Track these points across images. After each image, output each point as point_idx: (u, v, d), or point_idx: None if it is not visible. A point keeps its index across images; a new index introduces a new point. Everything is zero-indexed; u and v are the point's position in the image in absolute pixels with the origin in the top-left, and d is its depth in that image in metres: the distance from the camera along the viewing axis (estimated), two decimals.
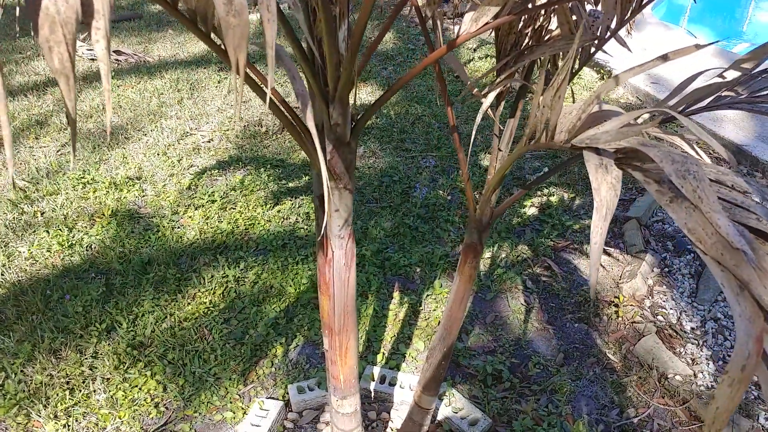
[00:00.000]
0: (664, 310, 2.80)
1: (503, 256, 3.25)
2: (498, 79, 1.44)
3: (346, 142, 1.27)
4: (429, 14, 1.38)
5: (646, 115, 1.41)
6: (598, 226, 0.92)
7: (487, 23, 1.11)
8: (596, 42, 1.40)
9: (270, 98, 1.13)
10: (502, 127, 1.57)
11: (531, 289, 3.01)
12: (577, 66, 1.46)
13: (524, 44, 1.42)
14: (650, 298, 2.88)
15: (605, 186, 0.94)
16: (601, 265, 3.13)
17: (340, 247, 1.40)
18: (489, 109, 1.57)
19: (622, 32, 1.68)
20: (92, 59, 5.86)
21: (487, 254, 3.28)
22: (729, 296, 0.79)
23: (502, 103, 1.56)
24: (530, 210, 3.65)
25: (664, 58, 1.01)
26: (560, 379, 2.48)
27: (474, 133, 1.31)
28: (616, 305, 2.84)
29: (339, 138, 1.25)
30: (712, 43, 1.08)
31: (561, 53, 1.55)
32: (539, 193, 3.80)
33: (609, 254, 3.20)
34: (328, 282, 1.48)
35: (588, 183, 3.88)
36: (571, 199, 3.71)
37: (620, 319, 2.78)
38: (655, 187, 0.90)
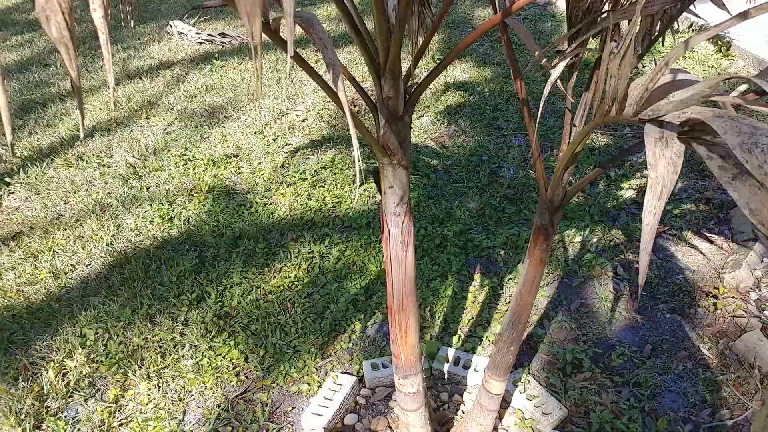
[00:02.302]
0: None
1: (594, 240, 3.09)
2: (569, 49, 1.34)
3: (399, 116, 1.24)
4: None
5: (743, 86, 1.26)
6: (652, 206, 0.84)
7: None
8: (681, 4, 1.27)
9: (318, 73, 1.11)
10: (574, 101, 1.47)
11: (621, 276, 2.84)
12: (658, 31, 1.33)
13: (598, 10, 1.31)
14: (757, 290, 2.63)
15: (663, 161, 0.85)
16: (702, 252, 2.89)
17: (396, 225, 1.38)
18: (560, 82, 1.47)
19: None
20: (200, 42, 6.16)
21: (578, 238, 3.13)
22: None
23: (575, 75, 1.46)
24: (627, 192, 3.44)
25: (744, 15, 0.89)
26: (646, 372, 2.32)
27: (542, 105, 1.23)
28: (715, 297, 2.61)
29: (392, 112, 1.22)
30: None
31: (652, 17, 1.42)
32: (638, 174, 3.56)
33: (711, 242, 2.94)
34: (386, 260, 1.47)
35: (692, 164, 3.59)
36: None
37: (719, 312, 2.55)
38: (718, 162, 0.80)
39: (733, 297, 2.59)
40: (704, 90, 1.00)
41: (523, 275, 1.70)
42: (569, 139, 1.56)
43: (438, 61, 5.41)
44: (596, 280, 2.83)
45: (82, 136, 1.55)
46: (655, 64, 1.48)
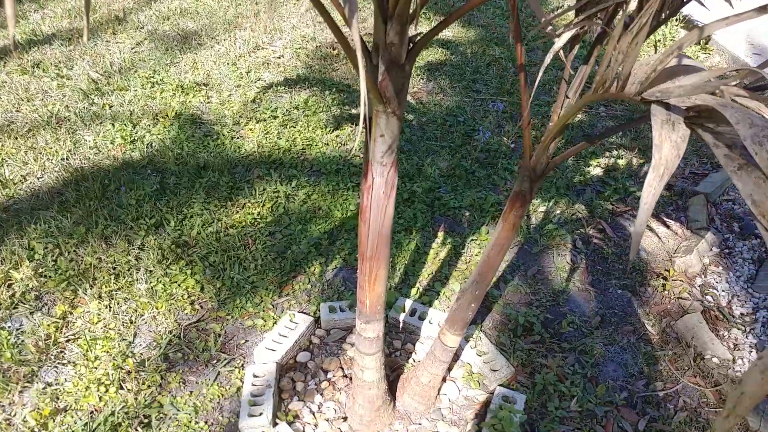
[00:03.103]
0: (714, 291, 2.68)
1: (558, 212, 3.15)
2: (575, 20, 1.34)
3: (400, 64, 1.21)
4: None
5: (733, 82, 1.28)
6: (652, 186, 0.85)
7: None
8: None
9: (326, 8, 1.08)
10: (572, 72, 1.47)
11: (580, 249, 2.92)
12: (665, 14, 1.33)
13: None
14: (702, 276, 2.75)
15: (668, 144, 0.87)
16: (657, 235, 2.99)
17: (381, 174, 1.37)
18: (561, 52, 1.47)
19: None
20: None
21: (542, 208, 3.19)
22: None
23: (576, 47, 1.46)
24: (595, 170, 3.50)
25: (763, 9, 0.90)
26: (592, 342, 2.43)
27: (540, 74, 1.23)
28: (665, 278, 2.73)
29: (393, 59, 1.20)
30: None
31: None
32: (607, 153, 3.63)
33: (668, 226, 3.05)
34: (365, 207, 1.46)
35: None
36: (639, 165, 3.54)
37: (666, 292, 2.67)
38: (724, 151, 0.82)
39: (680, 280, 2.71)
40: (710, 78, 1.02)
41: (494, 238, 1.72)
42: (561, 110, 1.56)
43: (427, 18, 5.31)
44: (555, 251, 2.91)
45: (85, 39, 1.46)
46: (655, 50, 1.49)
